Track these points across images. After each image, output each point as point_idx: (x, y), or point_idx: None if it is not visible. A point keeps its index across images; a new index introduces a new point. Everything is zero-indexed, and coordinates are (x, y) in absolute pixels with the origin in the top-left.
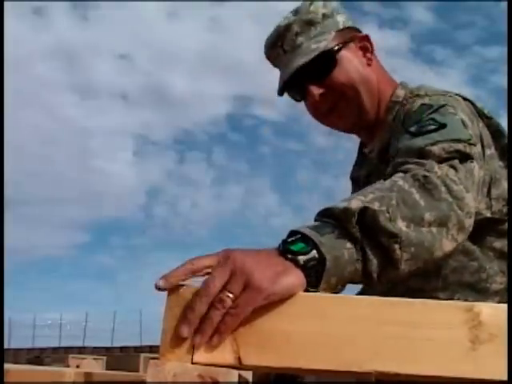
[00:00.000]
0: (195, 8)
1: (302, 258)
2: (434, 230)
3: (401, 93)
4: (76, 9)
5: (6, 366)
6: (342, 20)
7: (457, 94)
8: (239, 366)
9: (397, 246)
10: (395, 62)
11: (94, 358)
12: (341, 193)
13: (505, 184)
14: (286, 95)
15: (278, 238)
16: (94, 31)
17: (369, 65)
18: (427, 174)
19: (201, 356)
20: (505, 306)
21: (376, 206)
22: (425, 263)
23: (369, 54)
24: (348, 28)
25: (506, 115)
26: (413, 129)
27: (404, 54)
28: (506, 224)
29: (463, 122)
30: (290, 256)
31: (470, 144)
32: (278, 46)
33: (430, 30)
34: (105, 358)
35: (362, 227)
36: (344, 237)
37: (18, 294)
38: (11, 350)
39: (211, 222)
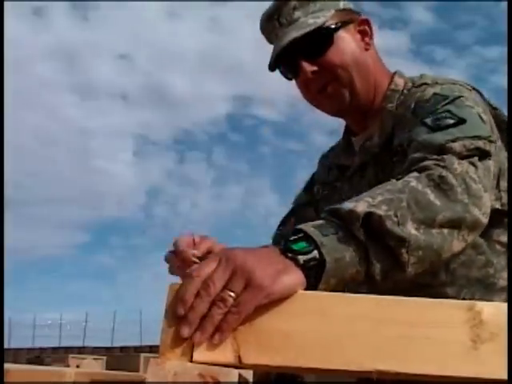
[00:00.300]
0: (195, 8)
1: (301, 258)
2: (446, 231)
3: (399, 81)
4: (76, 9)
5: (6, 365)
6: (343, 1)
7: (465, 84)
8: (239, 364)
9: (404, 250)
10: (395, 62)
11: (94, 358)
12: None
13: None
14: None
15: None
16: (94, 31)
17: (366, 49)
18: (444, 173)
19: (201, 355)
20: (506, 305)
21: (382, 210)
22: (431, 264)
23: (367, 39)
24: (349, 10)
25: (505, 115)
26: (429, 121)
27: (404, 54)
28: None
29: (480, 116)
30: (290, 255)
31: (490, 141)
32: (274, 18)
33: (429, 30)
34: (105, 358)
35: (367, 230)
36: (348, 238)
37: (18, 294)
38: (11, 349)
39: (211, 222)
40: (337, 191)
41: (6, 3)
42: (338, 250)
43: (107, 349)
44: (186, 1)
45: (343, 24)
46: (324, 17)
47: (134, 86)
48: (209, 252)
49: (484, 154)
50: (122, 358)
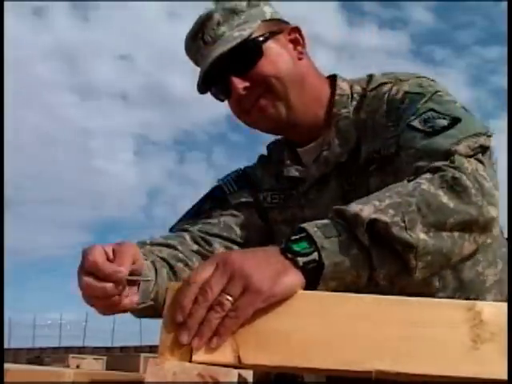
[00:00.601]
0: (195, 8)
1: (301, 260)
2: (456, 234)
3: (344, 85)
4: (76, 9)
5: (6, 365)
6: (269, 11)
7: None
8: (239, 365)
9: (412, 256)
10: (395, 63)
11: (94, 358)
12: None
13: None
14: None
15: None
16: (95, 32)
17: (300, 59)
18: (457, 174)
19: (200, 355)
20: (506, 305)
21: (389, 215)
22: (441, 269)
23: (300, 48)
24: (277, 20)
25: (505, 115)
26: (416, 123)
27: (404, 54)
28: None
29: (464, 108)
30: (290, 255)
31: (489, 136)
32: (198, 37)
33: (429, 30)
34: (105, 358)
35: (372, 234)
36: (351, 242)
37: (18, 294)
38: (11, 349)
39: None
40: (292, 200)
41: (5, 3)
42: (339, 254)
43: (107, 349)
44: (186, 1)
45: (271, 34)
46: (250, 28)
47: (134, 86)
48: (134, 262)
49: (486, 150)
50: (122, 358)
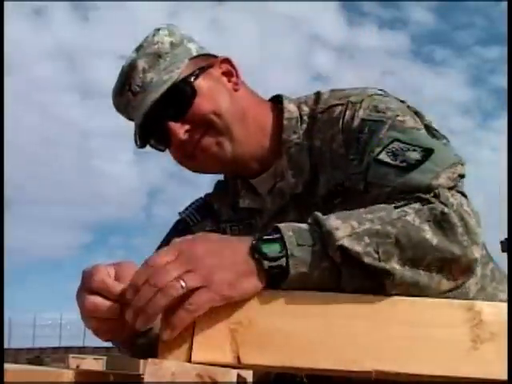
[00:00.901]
0: (195, 9)
1: (267, 263)
2: (434, 271)
3: (291, 107)
4: (76, 9)
5: (6, 365)
6: (194, 47)
7: (375, 90)
8: (238, 365)
9: (388, 282)
10: (395, 63)
11: (94, 358)
12: None
13: None
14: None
15: None
16: (95, 32)
17: (236, 90)
18: (446, 210)
19: (200, 355)
20: (506, 305)
21: (363, 244)
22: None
23: (234, 79)
24: (204, 54)
25: (505, 115)
26: (384, 157)
27: (404, 54)
28: None
29: (431, 133)
30: (256, 256)
31: (462, 164)
32: (125, 90)
33: (429, 30)
34: (105, 358)
35: (346, 254)
36: (323, 255)
37: (18, 294)
38: (11, 349)
39: None
40: (253, 231)
41: (6, 3)
42: (308, 265)
43: (107, 349)
44: (187, 1)
45: (202, 70)
46: (178, 69)
47: None
48: None
49: (462, 177)
50: (122, 358)
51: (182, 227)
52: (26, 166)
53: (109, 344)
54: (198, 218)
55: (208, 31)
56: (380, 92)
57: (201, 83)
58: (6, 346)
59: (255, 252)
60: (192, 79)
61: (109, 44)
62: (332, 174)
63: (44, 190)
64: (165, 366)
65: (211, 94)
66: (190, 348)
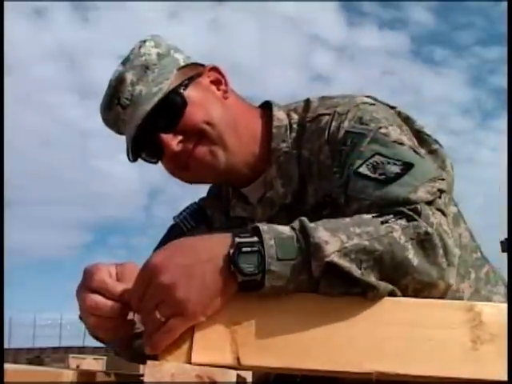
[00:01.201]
0: (195, 9)
1: (241, 277)
2: (410, 289)
3: (280, 114)
4: (77, 10)
5: (6, 365)
6: (181, 57)
7: (364, 97)
8: (238, 366)
9: (371, 294)
10: (395, 63)
11: (94, 358)
12: None
13: None
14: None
15: None
16: (95, 32)
17: (226, 98)
18: (430, 230)
19: (199, 356)
20: (506, 306)
21: (347, 260)
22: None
23: (223, 87)
24: (192, 64)
25: (505, 115)
26: (364, 170)
27: (404, 54)
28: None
29: (413, 149)
30: (232, 269)
31: (442, 179)
32: (114, 104)
33: (429, 30)
34: (105, 358)
35: (329, 268)
36: (302, 268)
37: (18, 294)
38: (11, 349)
39: None
40: None
41: (6, 3)
42: (285, 280)
43: (107, 349)
44: (187, 1)
45: (191, 80)
46: (167, 80)
47: None
48: None
49: (442, 193)
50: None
51: (176, 233)
52: (26, 166)
53: None
54: (192, 224)
55: (208, 31)
56: (368, 100)
57: (190, 93)
58: (6, 345)
59: (231, 264)
60: (182, 90)
61: (109, 44)
62: (320, 184)
63: (44, 190)
64: (164, 367)
65: (202, 104)
66: (190, 349)
